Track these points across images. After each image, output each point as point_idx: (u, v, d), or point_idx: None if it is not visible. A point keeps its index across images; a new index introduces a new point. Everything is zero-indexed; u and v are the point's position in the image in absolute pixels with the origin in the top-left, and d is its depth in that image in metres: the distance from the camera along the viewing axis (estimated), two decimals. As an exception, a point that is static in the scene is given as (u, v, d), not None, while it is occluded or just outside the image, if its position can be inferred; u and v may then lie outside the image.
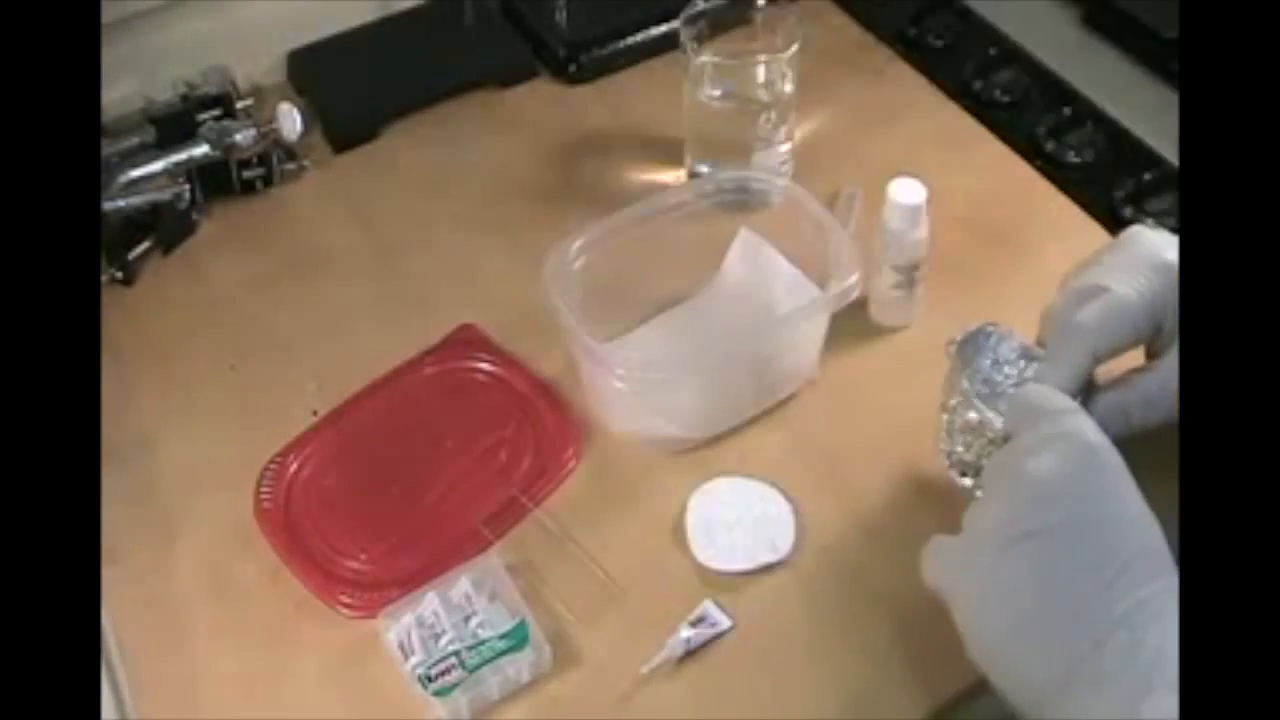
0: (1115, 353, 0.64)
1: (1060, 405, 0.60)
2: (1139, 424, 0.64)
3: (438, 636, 0.69)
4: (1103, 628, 0.51)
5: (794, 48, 0.88)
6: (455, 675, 0.67)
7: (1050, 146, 0.97)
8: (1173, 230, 0.89)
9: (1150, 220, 0.90)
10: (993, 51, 1.05)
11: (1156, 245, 0.64)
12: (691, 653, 0.69)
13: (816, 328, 0.80)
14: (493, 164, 0.99)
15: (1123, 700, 0.50)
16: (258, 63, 1.05)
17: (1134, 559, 0.52)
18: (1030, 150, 0.97)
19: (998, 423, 0.66)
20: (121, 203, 0.90)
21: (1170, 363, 0.63)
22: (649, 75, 1.05)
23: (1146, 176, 0.93)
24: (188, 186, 0.93)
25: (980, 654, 0.56)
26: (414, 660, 0.68)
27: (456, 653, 0.67)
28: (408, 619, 0.70)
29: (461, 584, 0.71)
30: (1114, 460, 0.56)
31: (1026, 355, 0.68)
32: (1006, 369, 0.67)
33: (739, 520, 0.74)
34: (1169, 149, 0.94)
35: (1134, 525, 0.54)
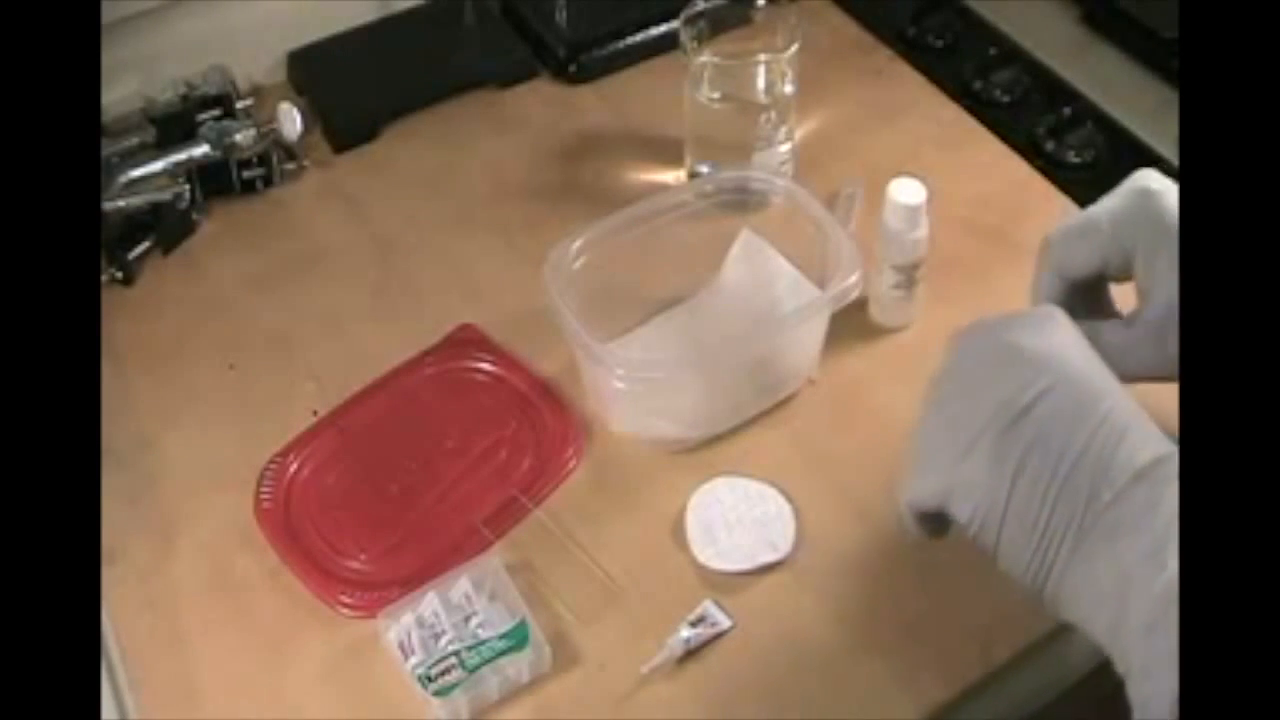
0: (1085, 274, 0.62)
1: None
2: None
3: (438, 636, 0.69)
4: (1122, 480, 0.50)
5: (794, 48, 0.88)
6: (455, 675, 0.67)
7: (1050, 146, 0.97)
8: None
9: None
10: (993, 51, 1.05)
11: (1141, 174, 0.63)
12: (691, 653, 0.69)
13: (816, 328, 0.80)
14: (493, 164, 0.99)
15: (1141, 551, 0.49)
16: (258, 63, 1.05)
17: (1136, 416, 0.52)
18: (1030, 150, 0.97)
19: None
20: (121, 203, 0.90)
21: (1145, 318, 0.62)
22: (649, 75, 1.05)
23: (1146, 176, 0.93)
24: (188, 186, 0.93)
25: (992, 535, 0.54)
26: (414, 660, 0.68)
27: (456, 653, 0.67)
28: (408, 619, 0.70)
29: (461, 584, 0.71)
30: (1076, 327, 0.56)
31: None
32: None
33: (739, 520, 0.74)
34: (1169, 149, 0.94)
35: (1119, 387, 0.54)
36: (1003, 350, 0.55)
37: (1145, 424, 0.52)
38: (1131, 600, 0.49)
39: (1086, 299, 0.63)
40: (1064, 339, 0.55)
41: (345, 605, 0.72)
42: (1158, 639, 0.47)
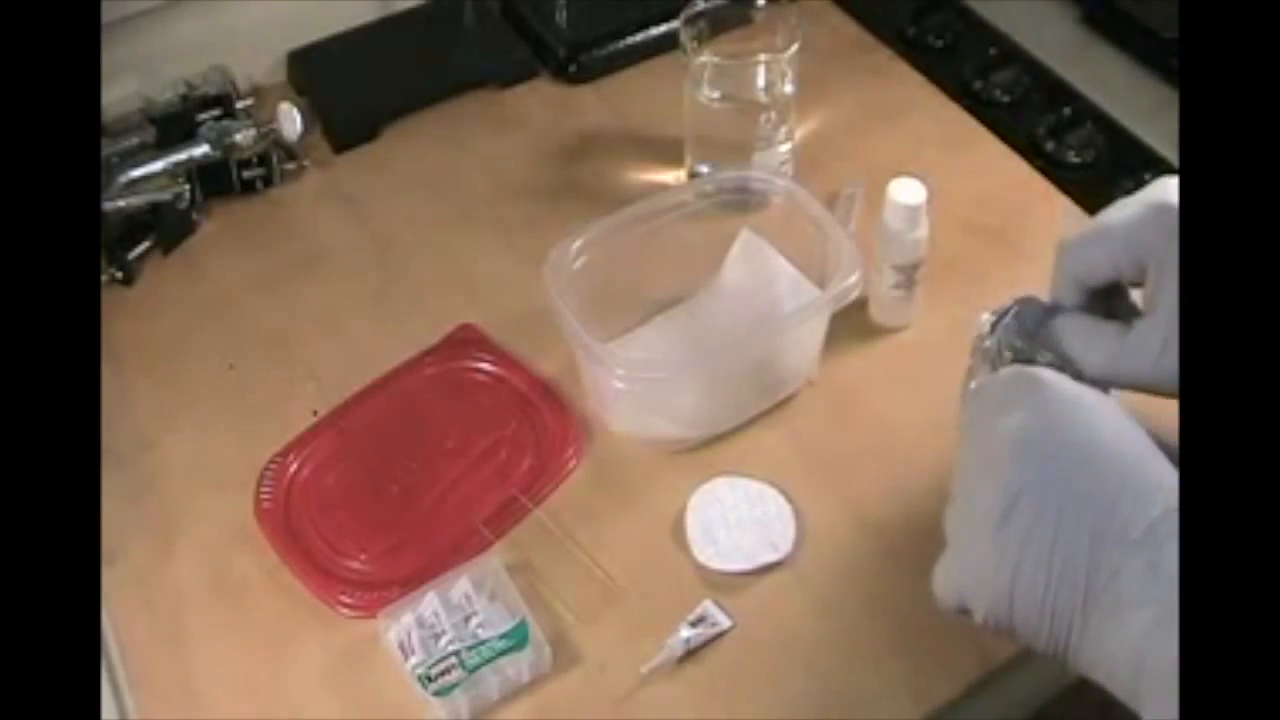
0: (1099, 281, 0.61)
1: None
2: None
3: (437, 637, 0.69)
4: (1117, 556, 0.49)
5: (794, 48, 0.88)
6: (455, 675, 0.67)
7: (1050, 146, 0.97)
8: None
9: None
10: (993, 51, 1.05)
11: (1162, 185, 0.62)
12: (691, 653, 0.69)
13: (816, 328, 0.80)
14: (493, 164, 0.99)
15: (1148, 623, 0.48)
16: (258, 63, 1.05)
17: (1130, 472, 0.50)
18: (1030, 150, 0.97)
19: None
20: (121, 203, 0.90)
21: (1143, 326, 0.61)
22: (649, 75, 1.05)
23: (1146, 176, 0.92)
24: (188, 186, 0.93)
25: (1005, 628, 0.53)
26: (414, 660, 0.68)
27: (456, 653, 0.67)
28: (407, 619, 0.70)
29: (461, 584, 0.71)
30: (1074, 390, 0.54)
31: None
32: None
33: (739, 520, 0.74)
34: (1169, 149, 0.94)
35: (1122, 448, 0.51)
36: (987, 441, 0.54)
37: (1139, 481, 0.51)
38: (1145, 671, 0.48)
39: (1106, 300, 0.63)
40: (1045, 405, 0.53)
41: (345, 605, 0.72)
42: (1174, 707, 0.46)
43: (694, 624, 0.70)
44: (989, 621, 0.54)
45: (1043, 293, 0.70)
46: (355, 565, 0.74)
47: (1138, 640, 0.49)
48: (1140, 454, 0.52)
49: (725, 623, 0.70)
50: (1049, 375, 0.55)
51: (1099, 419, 0.53)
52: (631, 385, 0.76)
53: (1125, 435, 0.53)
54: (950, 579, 0.56)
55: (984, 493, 0.53)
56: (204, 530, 0.77)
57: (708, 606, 0.71)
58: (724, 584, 0.72)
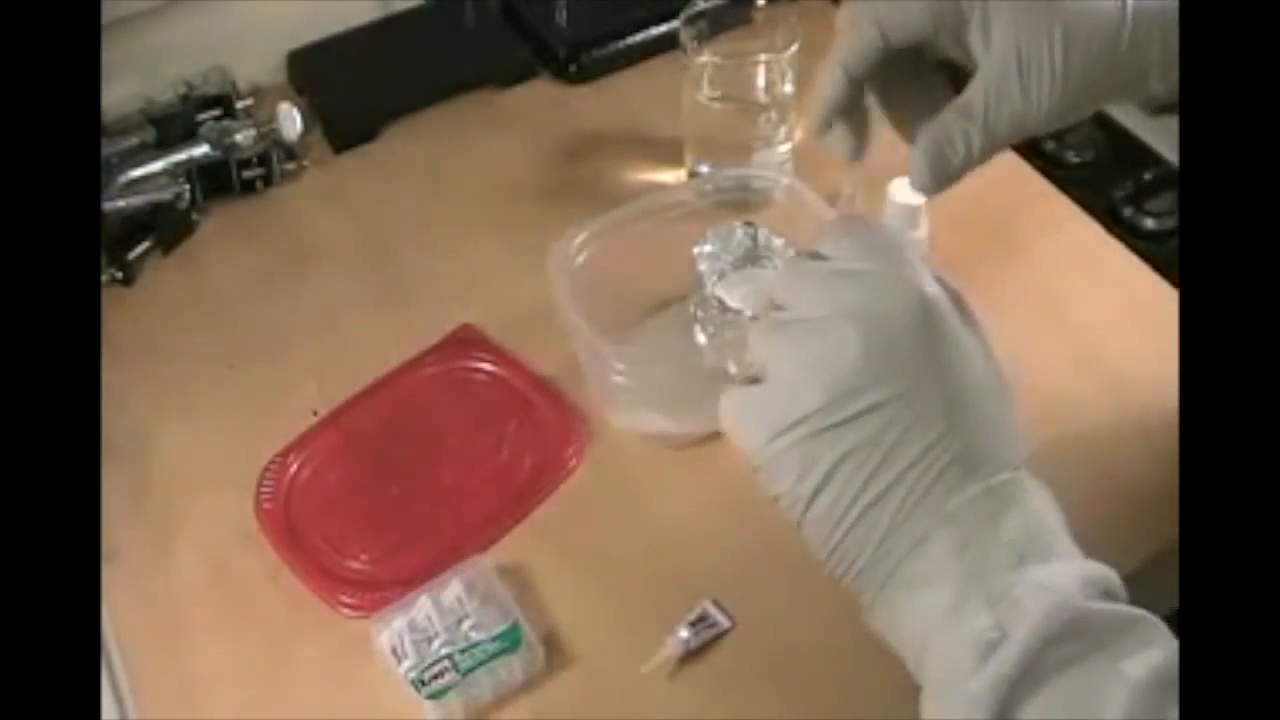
0: (907, 32, 0.56)
1: (890, 240, 0.53)
2: (980, 148, 0.59)
3: (430, 640, 0.69)
4: (926, 524, 0.46)
5: (794, 48, 0.88)
6: (448, 678, 0.66)
7: (1050, 146, 0.97)
8: (1172, 232, 0.90)
9: (1151, 220, 0.90)
10: (992, 51, 1.05)
11: None
12: (692, 653, 0.69)
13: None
14: (493, 163, 0.99)
15: (941, 606, 0.46)
16: (258, 63, 1.05)
17: (971, 445, 0.47)
18: (1030, 150, 0.97)
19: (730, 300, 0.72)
20: (121, 203, 0.90)
21: (990, 68, 0.57)
22: (649, 75, 1.05)
23: (1146, 176, 0.93)
24: (188, 186, 0.93)
25: (794, 519, 0.50)
26: (406, 664, 0.68)
27: (449, 655, 0.67)
28: (399, 623, 0.69)
29: (453, 586, 0.71)
30: (946, 311, 0.50)
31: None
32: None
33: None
34: (1169, 149, 0.94)
35: (972, 402, 0.48)
36: (857, 329, 0.48)
37: (975, 452, 0.47)
38: (930, 656, 0.47)
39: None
40: (928, 335, 0.49)
41: (346, 605, 0.72)
42: (947, 700, 0.46)
43: (694, 624, 0.70)
44: (778, 502, 0.50)
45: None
46: (356, 565, 0.74)
47: (927, 622, 0.47)
48: (999, 416, 0.49)
49: (725, 623, 0.70)
50: (928, 282, 0.50)
51: (984, 363, 0.50)
52: (632, 381, 0.76)
53: (994, 390, 0.49)
54: (751, 417, 0.50)
55: (815, 381, 0.48)
56: (204, 530, 0.77)
57: (708, 606, 0.71)
58: (724, 584, 0.72)
